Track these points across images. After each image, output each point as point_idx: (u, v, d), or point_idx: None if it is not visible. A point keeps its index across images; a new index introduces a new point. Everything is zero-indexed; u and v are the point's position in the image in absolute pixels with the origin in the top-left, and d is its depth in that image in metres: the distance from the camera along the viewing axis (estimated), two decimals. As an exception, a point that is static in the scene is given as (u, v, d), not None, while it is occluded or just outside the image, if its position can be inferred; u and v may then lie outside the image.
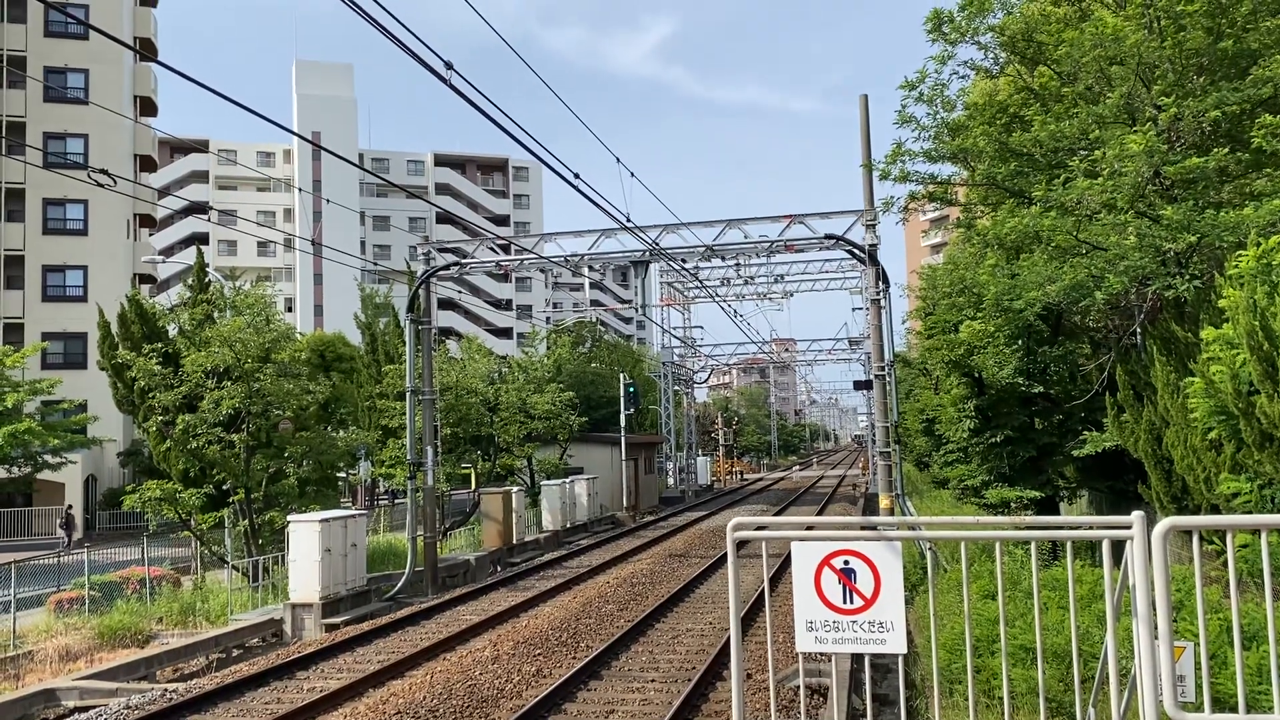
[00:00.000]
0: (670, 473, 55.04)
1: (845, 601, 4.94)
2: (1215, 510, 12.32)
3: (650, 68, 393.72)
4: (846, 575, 4.93)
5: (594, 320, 70.28)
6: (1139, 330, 17.76)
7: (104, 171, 13.31)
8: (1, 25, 45.19)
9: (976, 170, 19.18)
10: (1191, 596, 8.80)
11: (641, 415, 48.64)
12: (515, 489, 28.66)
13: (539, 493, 33.14)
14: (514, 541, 27.53)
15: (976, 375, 20.71)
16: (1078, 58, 16.14)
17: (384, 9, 9.17)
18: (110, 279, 44.68)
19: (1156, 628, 4.35)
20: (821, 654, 6.12)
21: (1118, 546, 4.80)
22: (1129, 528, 4.47)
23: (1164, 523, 4.34)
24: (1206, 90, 15.26)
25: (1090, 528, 5.24)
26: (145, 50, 51.31)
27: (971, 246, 21.69)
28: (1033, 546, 5.32)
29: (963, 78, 20.11)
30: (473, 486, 32.90)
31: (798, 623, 5.08)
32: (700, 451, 62.92)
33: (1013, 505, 19.72)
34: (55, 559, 23.62)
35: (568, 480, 34.14)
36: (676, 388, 54.67)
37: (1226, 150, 14.29)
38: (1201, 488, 12.75)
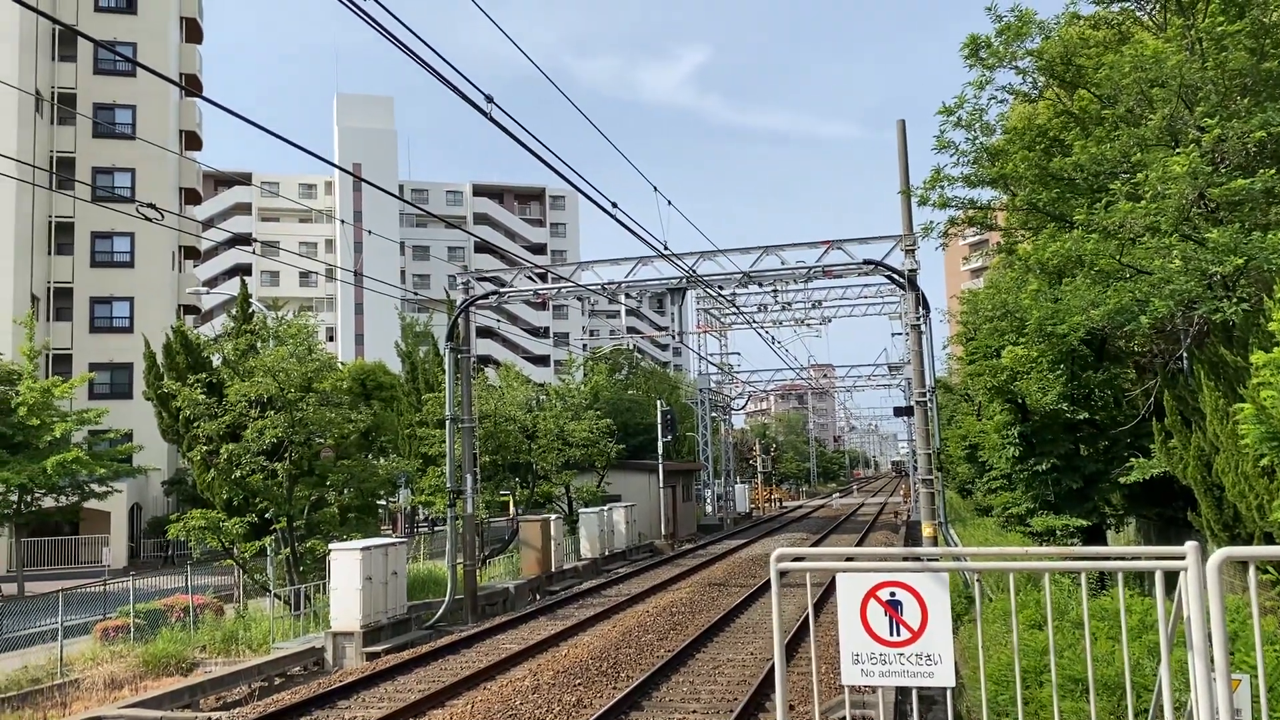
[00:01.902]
0: (708, 500, 54.75)
1: (892, 634, 4.86)
2: (1269, 538, 12.04)
3: (684, 96, 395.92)
4: (893, 607, 4.86)
5: (631, 347, 70.37)
6: (1185, 354, 17.47)
7: (151, 205, 13.57)
8: (53, 64, 46.42)
9: (1017, 196, 19.01)
10: (1247, 627, 8.60)
11: (679, 442, 48.50)
12: (553, 516, 28.67)
13: (577, 520, 33.11)
14: (553, 569, 27.50)
15: (1020, 401, 20.46)
16: (1118, 80, 15.97)
17: (425, 44, 9.30)
18: (156, 310, 45.50)
19: (1212, 660, 4.24)
20: (867, 687, 6.03)
21: (1169, 576, 4.70)
22: (1182, 558, 4.37)
23: (1219, 554, 4.24)
24: (1251, 111, 15.03)
25: (1142, 558, 5.14)
26: (191, 86, 52.45)
27: (1013, 271, 21.46)
28: (1082, 577, 5.23)
29: (1001, 102, 19.92)
30: (511, 514, 32.95)
31: (843, 655, 5.01)
32: (738, 479, 62.58)
33: (1058, 533, 19.39)
34: (107, 584, 23.93)
35: (605, 508, 34.08)
36: (714, 414, 54.46)
37: (1273, 171, 14.05)
38: (1254, 515, 12.47)
